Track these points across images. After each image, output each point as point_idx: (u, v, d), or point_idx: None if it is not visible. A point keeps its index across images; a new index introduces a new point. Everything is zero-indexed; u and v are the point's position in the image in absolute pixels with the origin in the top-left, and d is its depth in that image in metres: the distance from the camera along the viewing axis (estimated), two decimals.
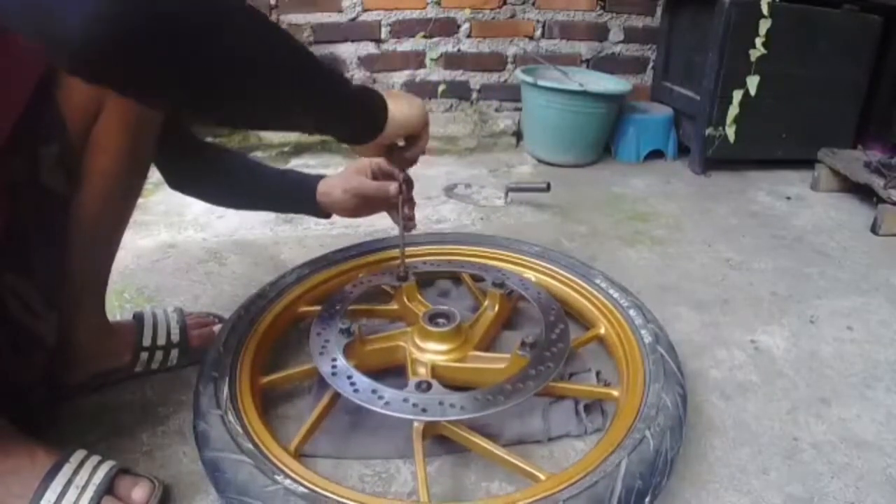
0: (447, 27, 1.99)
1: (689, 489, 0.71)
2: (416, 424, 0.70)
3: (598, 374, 0.87)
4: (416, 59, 2.03)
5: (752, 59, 1.62)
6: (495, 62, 2.07)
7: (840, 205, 1.64)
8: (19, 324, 0.64)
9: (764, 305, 1.13)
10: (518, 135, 2.02)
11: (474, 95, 2.10)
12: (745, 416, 0.84)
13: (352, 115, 0.67)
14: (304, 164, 1.81)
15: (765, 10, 1.57)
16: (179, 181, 0.93)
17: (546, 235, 1.35)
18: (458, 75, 2.07)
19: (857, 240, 1.42)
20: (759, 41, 1.60)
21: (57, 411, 0.78)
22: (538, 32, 2.04)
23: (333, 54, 1.99)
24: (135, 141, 0.69)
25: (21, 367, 0.68)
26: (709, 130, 1.74)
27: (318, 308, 0.89)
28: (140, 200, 0.79)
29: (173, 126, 0.80)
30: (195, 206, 1.39)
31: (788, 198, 1.68)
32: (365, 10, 1.95)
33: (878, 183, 1.49)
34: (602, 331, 0.91)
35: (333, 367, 0.75)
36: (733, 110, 1.68)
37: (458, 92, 2.09)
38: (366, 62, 2.01)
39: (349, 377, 0.73)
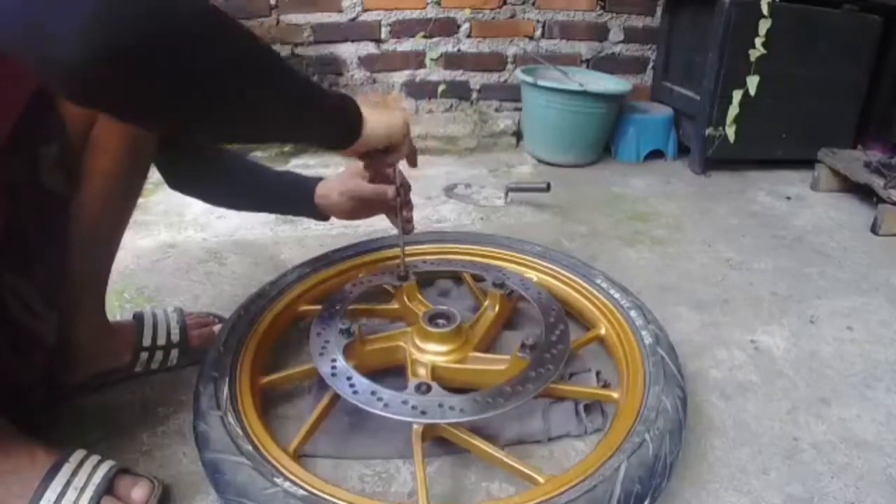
0: (447, 27, 1.99)
1: (689, 489, 0.71)
2: (415, 426, 0.70)
3: (598, 374, 0.87)
4: (416, 59, 2.03)
5: (752, 59, 1.62)
6: (495, 62, 2.07)
7: (840, 205, 1.64)
8: (19, 324, 0.64)
9: (764, 305, 1.13)
10: (518, 135, 2.02)
11: (474, 95, 2.10)
12: (745, 417, 0.84)
13: (328, 118, 0.67)
14: (303, 164, 1.81)
15: (765, 10, 1.57)
16: (179, 181, 0.93)
17: (546, 235, 1.35)
18: (458, 75, 2.07)
19: (857, 240, 1.43)
20: (758, 41, 1.60)
21: (57, 411, 0.78)
22: (538, 32, 2.04)
23: (333, 54, 1.99)
24: (135, 141, 0.70)
25: (21, 367, 0.68)
26: (709, 130, 1.74)
27: (318, 307, 0.89)
28: (140, 200, 0.79)
29: None
30: (195, 206, 1.39)
31: (788, 198, 1.68)
32: (365, 10, 1.95)
33: (878, 183, 1.49)
34: (602, 331, 0.91)
35: (333, 368, 0.75)
36: (733, 110, 1.68)
37: (458, 92, 2.09)
38: (366, 62, 2.01)
39: (349, 378, 0.73)
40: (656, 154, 1.94)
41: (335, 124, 0.68)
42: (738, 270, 1.26)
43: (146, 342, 0.84)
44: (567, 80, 1.86)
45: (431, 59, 2.00)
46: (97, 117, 0.65)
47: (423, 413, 0.68)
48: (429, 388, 0.72)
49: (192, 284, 1.12)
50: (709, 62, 1.70)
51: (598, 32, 2.07)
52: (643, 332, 0.84)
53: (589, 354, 0.93)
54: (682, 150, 1.94)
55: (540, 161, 1.90)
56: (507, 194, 1.57)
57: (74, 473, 0.62)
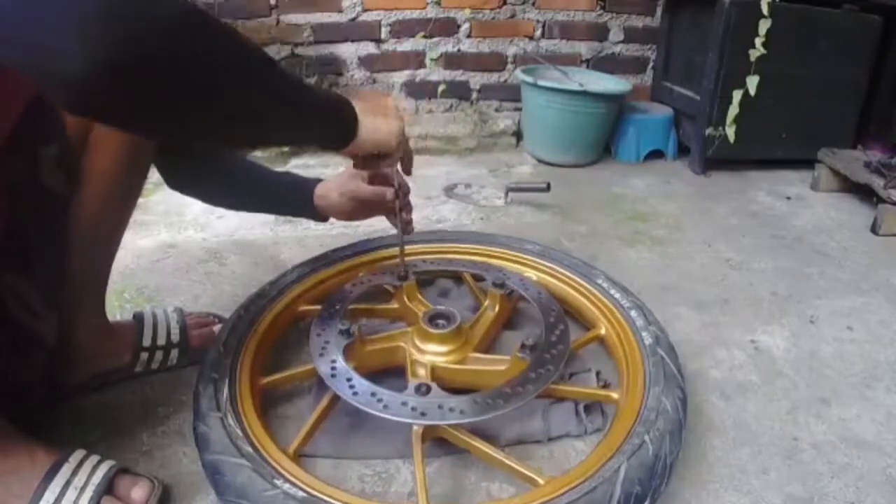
0: (447, 27, 1.99)
1: (689, 489, 0.71)
2: (415, 428, 0.70)
3: (598, 374, 0.87)
4: (416, 59, 2.02)
5: (752, 59, 1.61)
6: (495, 62, 2.07)
7: (840, 205, 1.64)
8: (19, 324, 0.64)
9: (764, 305, 1.13)
10: (518, 135, 2.02)
11: (474, 95, 2.10)
12: (745, 417, 0.84)
13: (322, 118, 0.67)
14: (303, 165, 1.81)
15: (765, 10, 1.57)
16: (179, 181, 0.93)
17: (546, 235, 1.35)
18: (458, 75, 2.07)
19: (857, 240, 1.42)
20: (758, 41, 1.60)
21: (57, 411, 0.78)
22: (538, 32, 2.04)
23: (333, 54, 1.99)
24: (134, 141, 0.70)
25: (21, 367, 0.68)
26: (709, 130, 1.74)
27: (318, 307, 0.89)
28: (140, 200, 0.79)
29: None
30: (195, 206, 1.39)
31: (788, 198, 1.68)
32: (365, 10, 1.94)
33: (878, 183, 1.49)
34: (603, 331, 0.91)
35: (333, 368, 0.75)
36: (733, 110, 1.68)
37: (458, 92, 2.09)
38: (366, 62, 2.01)
39: (348, 379, 0.73)
40: (656, 154, 1.94)
41: (329, 124, 0.68)
42: (738, 270, 1.25)
43: (146, 342, 0.84)
44: (567, 80, 1.86)
45: (431, 59, 2.00)
46: None
47: (423, 414, 0.68)
48: (428, 389, 0.72)
49: (192, 284, 1.12)
50: (709, 62, 1.70)
51: (598, 32, 2.07)
52: (643, 333, 0.84)
53: (589, 354, 0.93)
54: (682, 150, 1.94)
55: (540, 161, 1.90)
56: (507, 194, 1.57)
57: (74, 473, 0.62)
